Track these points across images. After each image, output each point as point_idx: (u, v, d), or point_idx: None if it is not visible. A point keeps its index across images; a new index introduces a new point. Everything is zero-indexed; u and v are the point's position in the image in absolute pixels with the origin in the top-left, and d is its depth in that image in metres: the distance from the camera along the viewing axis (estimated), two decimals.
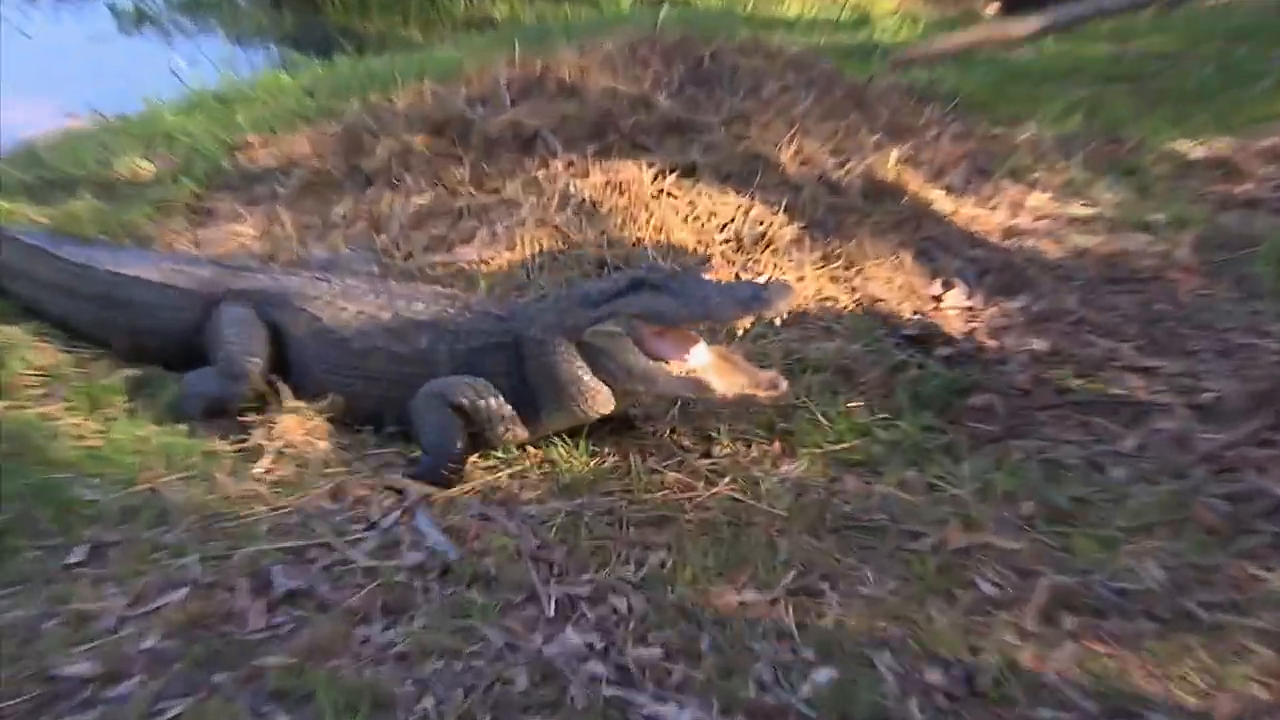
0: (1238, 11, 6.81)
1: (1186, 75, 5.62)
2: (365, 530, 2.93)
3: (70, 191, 4.53)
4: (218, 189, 4.39)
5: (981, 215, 4.19)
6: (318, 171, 4.24)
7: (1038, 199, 4.33)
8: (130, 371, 3.52)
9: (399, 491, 3.01)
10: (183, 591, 2.68)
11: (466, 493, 3.05)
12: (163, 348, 3.48)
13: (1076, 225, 4.26)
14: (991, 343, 3.66)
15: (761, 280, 3.13)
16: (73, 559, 2.79)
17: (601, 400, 3.07)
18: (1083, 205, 4.36)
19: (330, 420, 3.25)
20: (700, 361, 2.97)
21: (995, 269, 3.92)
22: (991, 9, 8.47)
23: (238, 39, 7.94)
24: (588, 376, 3.02)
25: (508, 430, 3.10)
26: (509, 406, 3.07)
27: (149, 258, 3.63)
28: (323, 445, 3.20)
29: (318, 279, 3.36)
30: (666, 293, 2.96)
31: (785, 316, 3.06)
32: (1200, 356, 3.59)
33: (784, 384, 3.00)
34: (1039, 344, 3.65)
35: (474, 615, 2.63)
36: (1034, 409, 3.36)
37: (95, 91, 6.18)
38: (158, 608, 2.65)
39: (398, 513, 2.97)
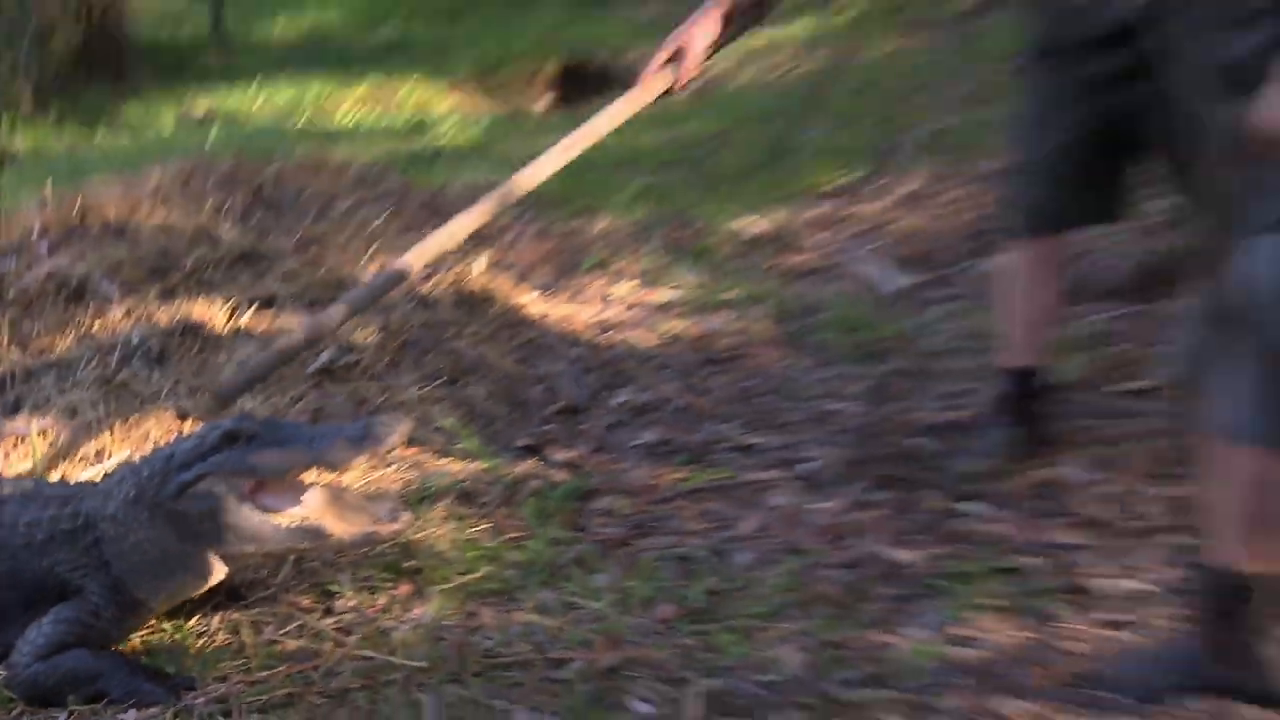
0: (765, 92, 7.17)
1: (734, 155, 5.82)
2: None
3: None
4: None
5: (573, 312, 4.22)
6: None
7: (623, 289, 4.42)
8: None
9: None
10: None
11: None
12: None
13: (663, 311, 4.36)
14: (609, 438, 3.61)
15: (372, 415, 3.01)
16: None
17: (206, 570, 2.77)
18: (666, 290, 4.45)
19: None
20: (312, 507, 2.74)
21: (596, 366, 3.88)
22: (541, 105, 8.57)
23: None
24: (186, 545, 2.71)
25: (116, 627, 2.75)
26: (94, 607, 2.69)
27: None
28: None
29: None
30: (264, 442, 2.72)
31: (399, 447, 2.92)
32: (795, 428, 3.70)
33: (405, 513, 2.84)
34: (648, 436, 3.67)
35: None
36: (655, 503, 3.36)
37: None
38: None
39: None
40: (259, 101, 7.95)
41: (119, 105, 8.09)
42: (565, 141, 3.24)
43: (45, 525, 2.72)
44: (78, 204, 4.22)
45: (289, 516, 2.71)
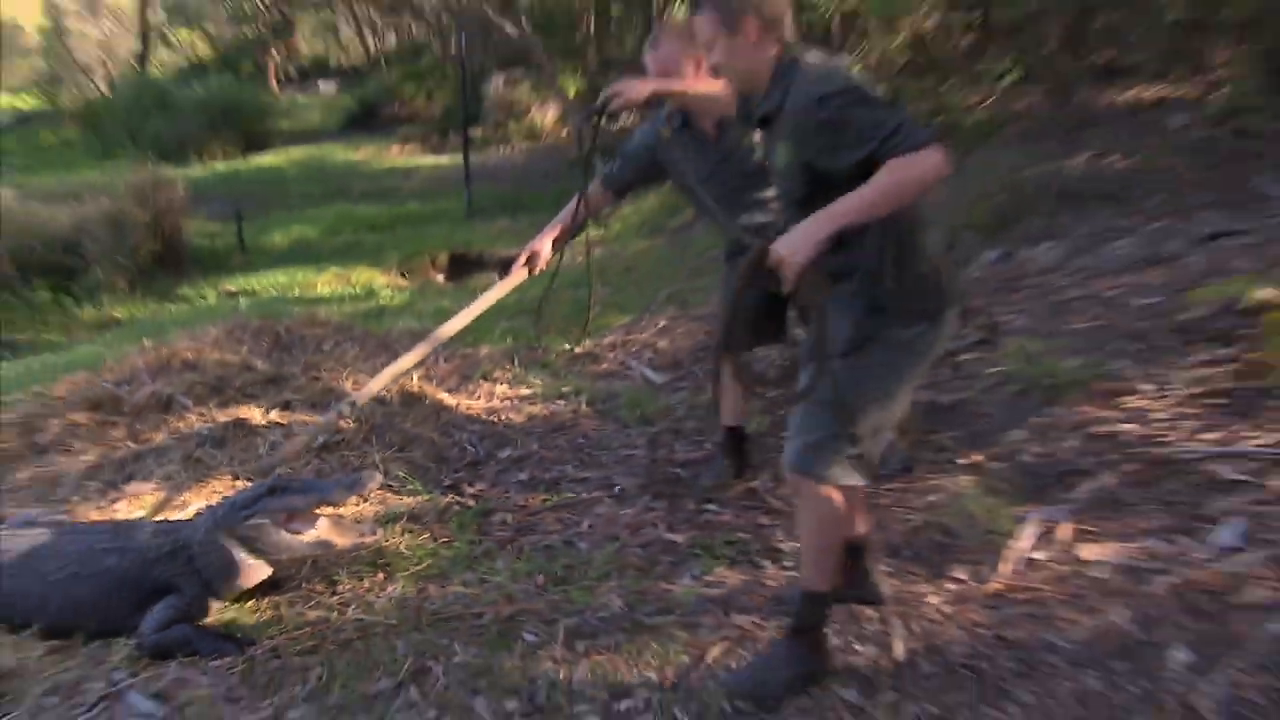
0: (572, 270, 7.21)
1: (557, 306, 5.80)
2: (86, 713, 2.38)
3: None
4: None
5: (474, 404, 4.18)
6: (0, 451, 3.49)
7: (501, 389, 4.39)
8: None
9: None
10: None
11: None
12: None
13: (526, 400, 4.36)
14: (499, 478, 3.59)
15: (355, 472, 2.99)
16: None
17: (258, 572, 2.77)
18: (525, 388, 4.44)
19: (41, 637, 2.64)
20: (322, 528, 2.76)
21: (489, 435, 3.88)
22: (440, 278, 8.50)
23: None
24: (245, 556, 2.70)
25: (204, 610, 2.71)
26: (189, 597, 2.67)
27: None
28: (34, 655, 2.58)
29: (11, 533, 2.77)
30: (292, 491, 2.74)
31: (373, 492, 3.03)
32: (608, 467, 3.72)
33: (378, 531, 2.91)
34: (521, 475, 3.64)
35: None
36: (529, 516, 3.36)
37: None
38: None
39: (108, 696, 2.43)
40: (267, 283, 7.70)
41: (179, 288, 7.77)
42: (467, 309, 3.31)
43: (157, 549, 2.68)
44: (165, 350, 4.09)
45: (309, 536, 2.73)
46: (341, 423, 3.59)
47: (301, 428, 3.54)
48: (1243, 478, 2.77)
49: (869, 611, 2.58)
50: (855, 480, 2.18)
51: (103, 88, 22.93)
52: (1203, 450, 3.00)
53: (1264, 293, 3.54)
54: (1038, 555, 2.72)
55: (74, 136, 17.26)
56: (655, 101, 2.88)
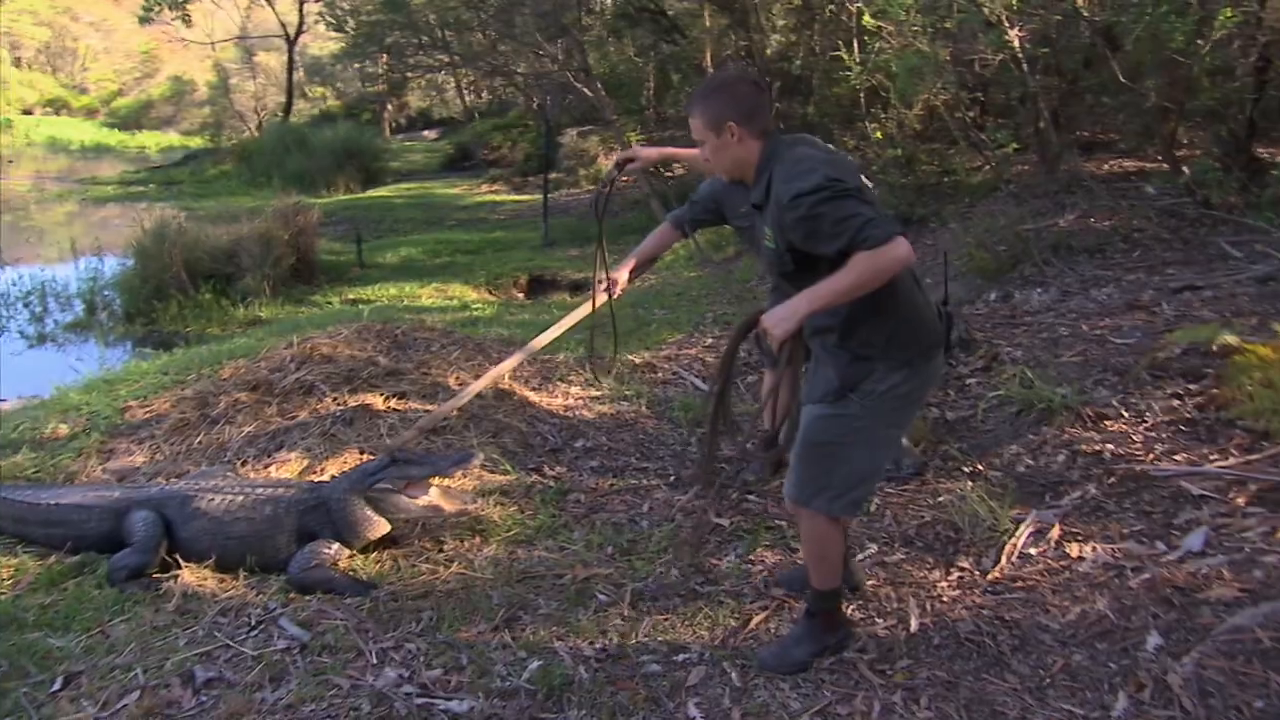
0: (635, 293, 7.25)
1: (623, 323, 5.76)
2: (248, 632, 2.48)
3: (14, 449, 3.67)
4: (115, 436, 3.67)
5: (553, 401, 4.22)
6: (181, 419, 3.65)
7: (575, 390, 4.42)
8: (72, 559, 2.85)
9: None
10: (135, 694, 2.21)
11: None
12: (92, 545, 2.85)
13: (596, 400, 4.36)
14: (574, 464, 3.60)
15: (462, 451, 3.02)
16: (55, 688, 2.24)
17: (381, 527, 2.82)
18: (596, 390, 4.42)
19: (214, 569, 2.76)
20: (433, 496, 2.80)
21: (566, 427, 3.92)
22: (521, 296, 8.53)
23: (107, 344, 6.81)
24: (372, 514, 2.77)
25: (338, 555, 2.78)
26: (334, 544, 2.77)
27: (74, 490, 3.00)
28: (210, 584, 2.70)
29: (193, 484, 2.89)
30: (410, 463, 2.80)
31: (475, 468, 3.05)
32: (665, 459, 3.73)
33: (478, 502, 2.95)
34: (594, 463, 3.68)
35: (327, 672, 2.30)
36: (600, 497, 3.38)
37: (17, 385, 5.16)
38: (120, 709, 2.18)
39: (265, 620, 2.52)
40: (381, 293, 7.82)
41: (311, 295, 7.92)
42: (555, 327, 3.38)
43: (305, 502, 2.77)
44: (309, 345, 4.14)
45: (422, 501, 2.77)
46: (451, 412, 3.66)
47: (419, 415, 3.60)
48: (1207, 493, 2.72)
49: (888, 590, 2.57)
50: (843, 514, 2.11)
51: (254, 131, 23.57)
52: (1173, 469, 2.94)
53: (1229, 338, 3.46)
54: (1031, 551, 2.68)
55: (230, 170, 17.75)
56: (665, 164, 3.08)
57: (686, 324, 5.80)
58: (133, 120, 35.14)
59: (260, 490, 2.83)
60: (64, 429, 3.86)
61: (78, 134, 31.05)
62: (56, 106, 41.46)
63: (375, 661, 2.30)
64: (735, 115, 1.95)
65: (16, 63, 43.64)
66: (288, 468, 3.33)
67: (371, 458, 3.09)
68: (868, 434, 2.02)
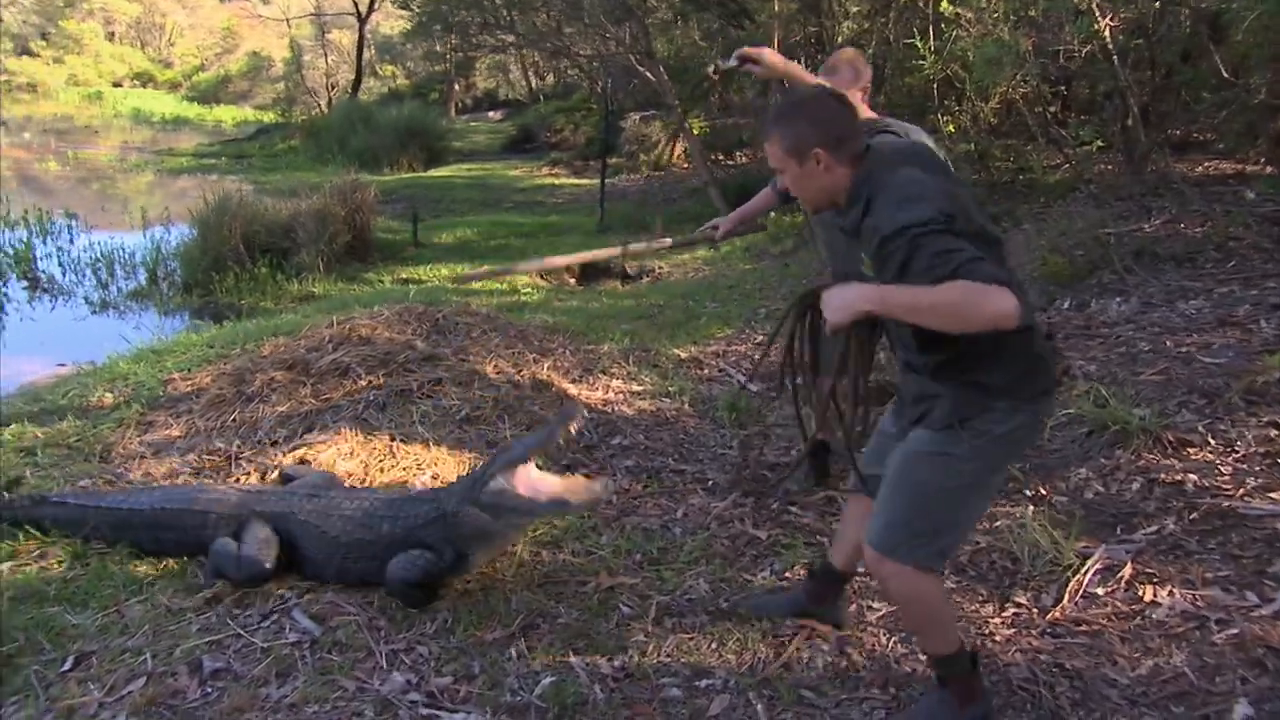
0: (685, 284, 7.08)
1: (671, 315, 5.70)
2: (260, 622, 2.41)
3: (60, 416, 3.70)
4: (155, 408, 3.69)
5: (592, 394, 4.07)
6: (217, 395, 3.65)
7: (616, 384, 4.26)
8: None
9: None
10: (141, 681, 2.16)
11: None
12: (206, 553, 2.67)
13: (636, 396, 4.22)
14: (609, 463, 3.43)
15: (561, 413, 2.55)
16: (65, 668, 2.20)
17: (506, 538, 2.55)
18: (637, 385, 4.29)
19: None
20: (555, 488, 2.45)
21: (603, 423, 3.77)
22: (573, 281, 8.40)
23: (164, 314, 6.95)
24: (493, 522, 2.45)
25: (448, 577, 2.54)
26: (447, 562, 2.49)
27: (184, 492, 2.82)
28: None
29: (310, 496, 2.67)
30: (509, 448, 2.50)
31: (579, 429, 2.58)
32: (704, 462, 3.57)
33: (611, 484, 2.52)
34: (628, 462, 3.52)
35: (334, 671, 2.21)
36: (632, 499, 3.22)
37: (76, 351, 5.29)
38: (125, 695, 2.12)
39: (279, 610, 2.45)
40: (433, 274, 7.80)
41: (364, 273, 7.95)
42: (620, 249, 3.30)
43: (424, 515, 2.52)
44: (347, 326, 4.09)
45: (545, 496, 2.42)
46: (483, 400, 3.57)
47: (455, 404, 3.52)
48: None
49: None
50: (929, 564, 1.82)
51: (324, 108, 24.02)
52: (1268, 508, 2.65)
53: None
54: (1099, 590, 2.43)
55: (298, 146, 18.09)
56: (786, 79, 2.68)
57: (737, 319, 5.60)
58: (211, 94, 36.29)
59: (375, 504, 2.59)
60: (109, 398, 3.90)
61: (160, 107, 32.19)
62: (144, 80, 43.10)
63: (384, 664, 2.20)
64: (822, 140, 1.72)
65: (109, 37, 45.55)
66: (315, 450, 3.26)
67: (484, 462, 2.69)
68: (973, 478, 1.78)
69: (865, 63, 2.87)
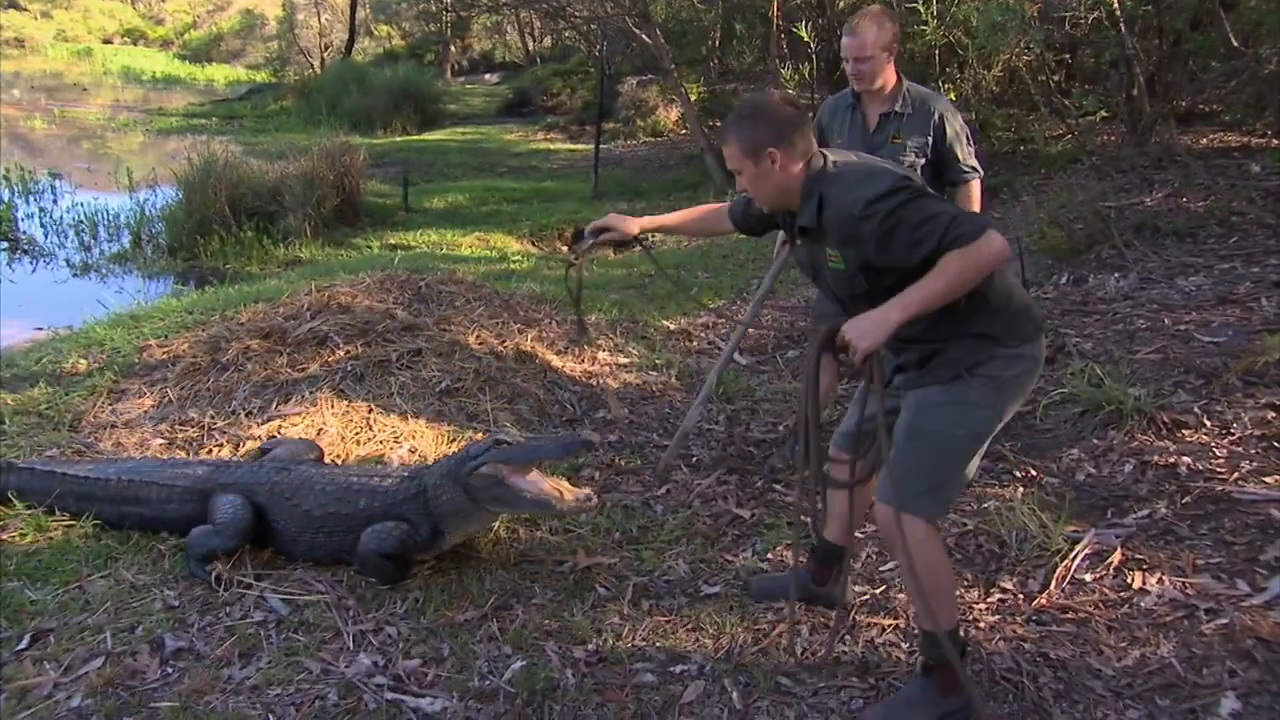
0: (678, 254, 6.95)
1: (661, 286, 5.54)
2: (226, 599, 2.33)
3: (32, 383, 3.60)
4: (129, 376, 3.58)
5: (576, 366, 3.97)
6: (192, 363, 3.55)
7: (603, 356, 4.16)
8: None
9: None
10: (100, 660, 2.09)
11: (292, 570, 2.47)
12: (171, 530, 2.60)
13: (622, 368, 4.12)
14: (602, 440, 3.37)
15: (574, 433, 2.50)
16: (21, 646, 2.13)
17: (480, 521, 2.49)
18: (624, 357, 4.19)
19: None
20: (544, 486, 2.38)
21: (587, 396, 3.68)
22: (563, 247, 8.26)
23: (147, 278, 6.80)
24: (470, 505, 2.40)
25: (421, 553, 2.47)
26: (422, 537, 2.43)
27: (151, 465, 2.72)
28: None
29: (281, 470, 2.59)
30: (515, 448, 2.39)
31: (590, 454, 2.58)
32: (689, 438, 3.41)
33: (594, 500, 2.42)
34: (612, 437, 3.42)
35: (299, 652, 2.15)
36: (614, 475, 3.14)
37: (55, 315, 5.11)
38: (82, 675, 2.06)
39: (244, 590, 2.37)
40: (422, 240, 7.64)
41: (352, 238, 7.78)
42: None
43: (404, 490, 2.46)
44: (326, 294, 3.98)
45: (530, 494, 2.36)
46: (457, 368, 3.47)
47: (434, 376, 3.42)
48: None
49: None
50: (937, 515, 1.88)
51: (317, 68, 23.53)
52: (1262, 493, 2.57)
53: None
54: (1086, 576, 2.37)
55: (290, 106, 17.71)
56: (642, 238, 2.39)
57: (729, 290, 5.48)
58: (203, 53, 35.53)
59: (352, 478, 2.53)
60: (82, 364, 3.78)
61: (150, 64, 31.50)
62: (134, 37, 42.22)
63: (351, 645, 2.13)
64: (775, 140, 1.80)
65: None
66: (290, 422, 3.17)
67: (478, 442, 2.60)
68: (984, 425, 1.83)
69: (892, 19, 2.75)
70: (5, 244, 7.47)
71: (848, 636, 2.22)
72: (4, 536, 2.57)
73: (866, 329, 1.69)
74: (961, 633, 2.10)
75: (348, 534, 2.44)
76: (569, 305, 4.18)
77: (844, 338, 1.73)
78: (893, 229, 1.67)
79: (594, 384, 3.83)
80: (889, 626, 2.25)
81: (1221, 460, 2.77)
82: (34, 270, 7.02)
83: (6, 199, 8.44)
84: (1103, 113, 5.94)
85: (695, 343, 4.52)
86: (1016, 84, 6.73)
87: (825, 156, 1.84)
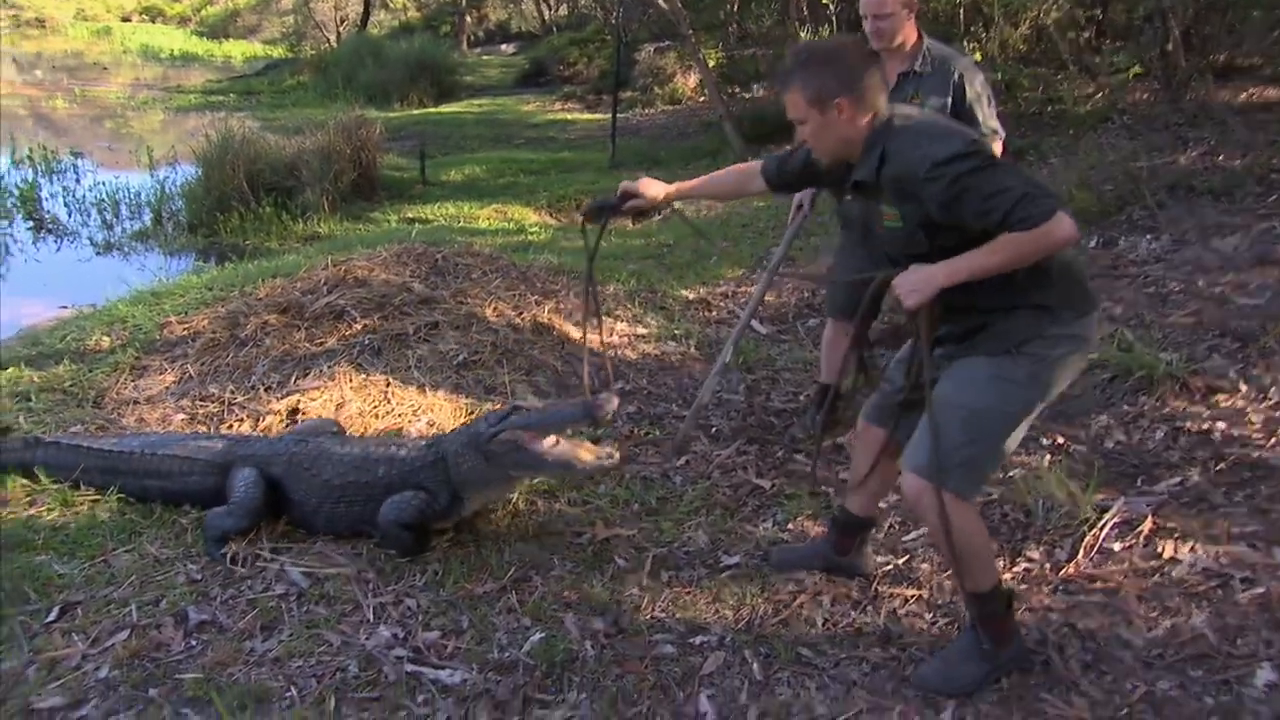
0: (697, 222, 6.86)
1: (680, 255, 5.48)
2: (248, 572, 2.34)
3: (57, 360, 3.63)
4: (150, 353, 3.60)
5: (593, 338, 3.83)
6: (212, 339, 3.56)
7: (621, 326, 4.13)
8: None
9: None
10: (125, 633, 2.10)
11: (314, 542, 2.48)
12: (192, 502, 2.62)
13: (640, 339, 4.09)
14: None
15: (595, 396, 2.33)
16: (50, 618, 2.15)
17: (502, 488, 2.50)
18: (642, 327, 4.14)
19: None
20: (564, 449, 2.35)
21: (599, 370, 3.62)
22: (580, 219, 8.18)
23: (169, 254, 6.85)
24: (491, 471, 2.39)
25: (440, 521, 2.46)
26: (441, 505, 2.42)
27: (173, 439, 2.73)
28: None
29: (300, 441, 2.59)
30: (534, 413, 2.38)
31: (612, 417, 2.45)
32: (708, 408, 3.37)
33: (618, 455, 2.40)
34: (630, 408, 3.39)
35: (320, 625, 2.15)
36: (633, 445, 3.11)
37: (79, 293, 5.18)
38: (109, 647, 2.07)
39: (265, 564, 2.37)
40: (439, 213, 7.60)
41: (370, 212, 7.76)
42: None
43: (422, 458, 2.45)
44: (343, 268, 3.96)
45: (550, 457, 2.34)
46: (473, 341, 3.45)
47: (452, 349, 3.39)
48: None
49: (940, 580, 2.26)
50: (971, 494, 1.81)
51: (333, 42, 23.40)
52: None
53: None
54: (1115, 546, 2.31)
55: (307, 81, 17.64)
56: (667, 203, 2.31)
57: (749, 258, 5.37)
58: (220, 29, 35.44)
59: (371, 448, 2.52)
60: (105, 341, 3.81)
61: (169, 42, 31.49)
62: (151, 14, 42.17)
63: (371, 617, 2.14)
64: (844, 89, 1.71)
65: None
66: (309, 397, 3.16)
67: (495, 410, 2.57)
68: (1025, 404, 1.78)
69: None
70: (30, 223, 7.55)
71: (869, 607, 2.19)
72: (33, 511, 2.60)
73: (914, 283, 1.68)
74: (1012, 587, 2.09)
75: (367, 503, 2.43)
76: (600, 279, 4.15)
77: (897, 291, 1.71)
78: (959, 195, 1.62)
79: (613, 354, 3.77)
80: (911, 597, 2.21)
81: (1258, 426, 2.69)
82: (58, 249, 7.09)
83: (30, 179, 8.50)
84: (1135, 69, 5.74)
85: (714, 312, 4.46)
86: (1044, 42, 6.52)
87: (893, 109, 1.76)
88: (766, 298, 4.51)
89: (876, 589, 2.25)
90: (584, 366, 2.87)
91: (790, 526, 2.57)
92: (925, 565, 2.32)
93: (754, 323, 4.22)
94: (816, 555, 2.32)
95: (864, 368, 2.08)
